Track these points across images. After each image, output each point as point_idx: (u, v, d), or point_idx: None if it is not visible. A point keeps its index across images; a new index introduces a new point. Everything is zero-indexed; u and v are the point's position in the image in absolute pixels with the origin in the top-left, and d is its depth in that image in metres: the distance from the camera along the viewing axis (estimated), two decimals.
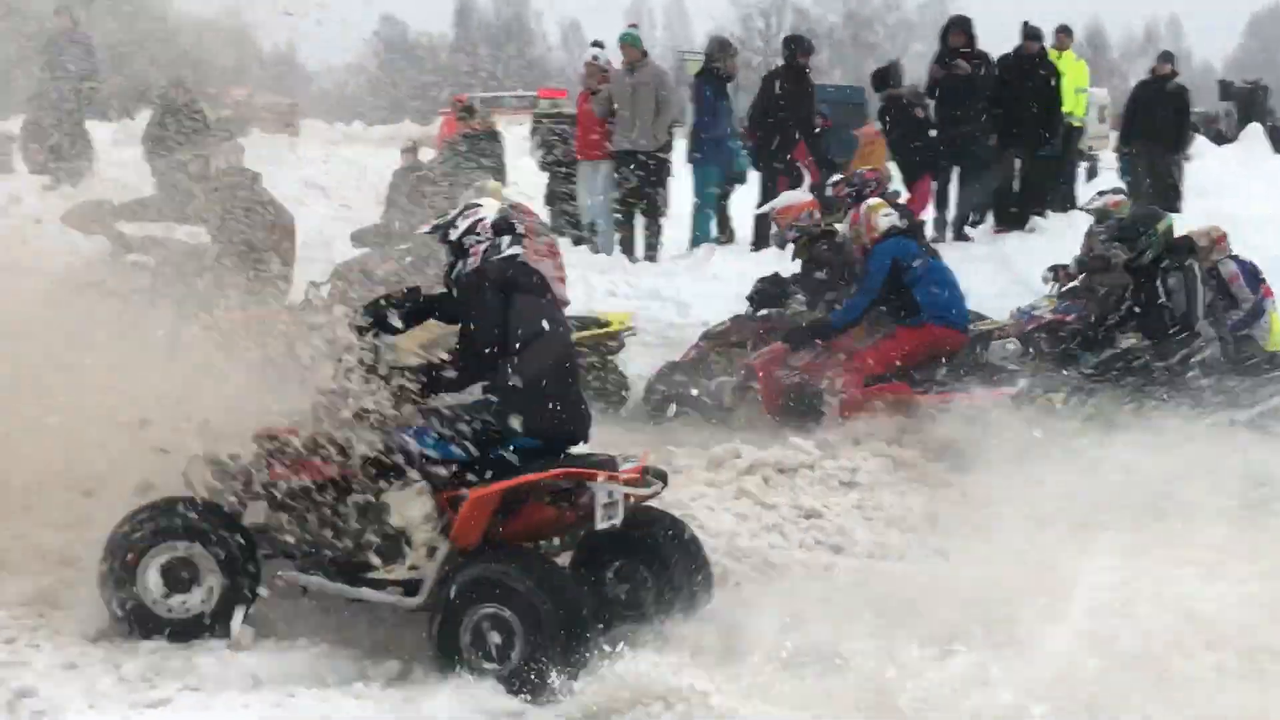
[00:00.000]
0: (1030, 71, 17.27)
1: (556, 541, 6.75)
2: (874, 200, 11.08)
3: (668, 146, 16.89)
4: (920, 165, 17.75)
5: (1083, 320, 11.22)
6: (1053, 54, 18.25)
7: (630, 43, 17.04)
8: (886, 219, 10.49)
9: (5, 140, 22.55)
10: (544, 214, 18.31)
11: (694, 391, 10.84)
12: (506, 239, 6.82)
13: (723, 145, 17.27)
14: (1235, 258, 11.51)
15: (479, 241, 6.78)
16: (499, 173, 18.11)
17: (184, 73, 18.45)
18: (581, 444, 6.74)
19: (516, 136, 28.73)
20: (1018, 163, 17.49)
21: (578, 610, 6.02)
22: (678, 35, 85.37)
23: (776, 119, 16.99)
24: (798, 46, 17.72)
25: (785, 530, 7.83)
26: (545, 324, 6.66)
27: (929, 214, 17.72)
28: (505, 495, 6.21)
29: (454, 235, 6.84)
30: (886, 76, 18.52)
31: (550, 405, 6.54)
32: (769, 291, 11.60)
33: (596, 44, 18.32)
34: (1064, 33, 19.56)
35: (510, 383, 6.47)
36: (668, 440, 9.59)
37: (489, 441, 6.43)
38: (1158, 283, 10.30)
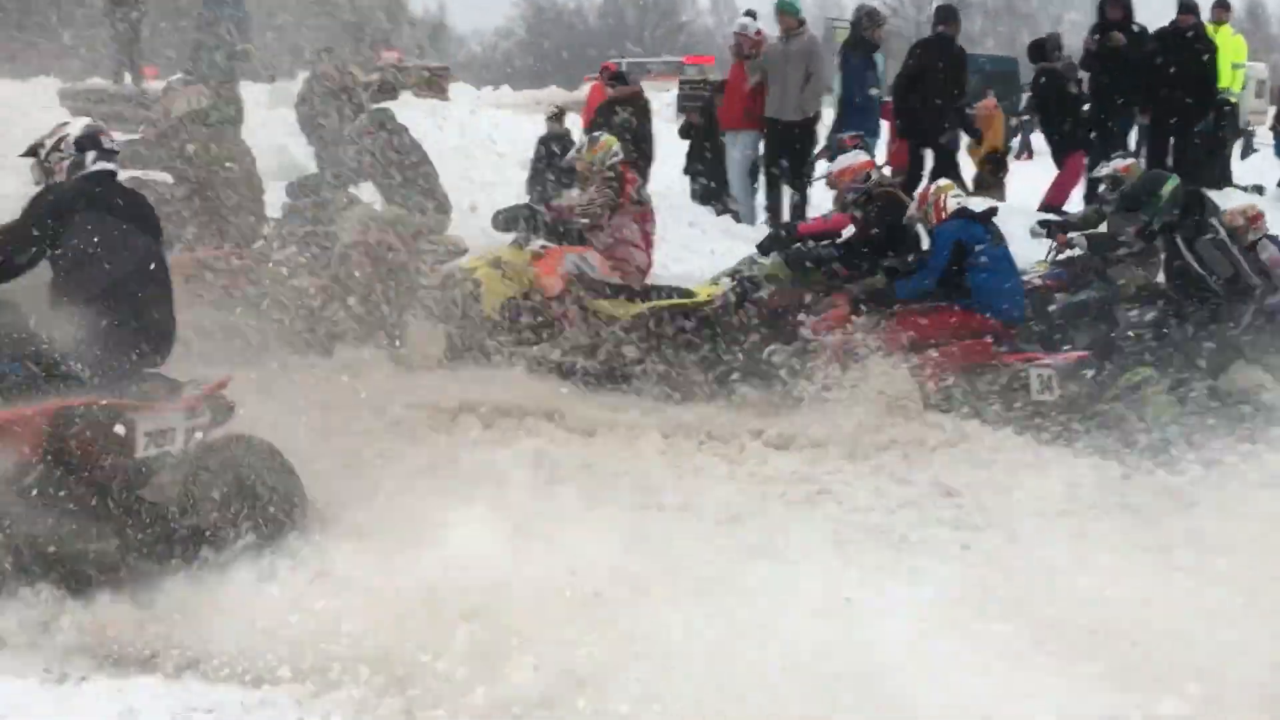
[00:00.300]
0: (1185, 46, 16.91)
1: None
2: (944, 180, 11.04)
3: (815, 117, 16.78)
4: (1072, 141, 17.48)
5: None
6: (1209, 28, 17.87)
7: (787, 10, 16.91)
8: (955, 200, 10.40)
9: None
10: (683, 183, 18.37)
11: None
12: (91, 154, 6.73)
13: (870, 116, 17.11)
14: (1274, 238, 11.18)
15: (62, 158, 6.70)
16: (646, 140, 18.16)
17: (336, 36, 18.72)
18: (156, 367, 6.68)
19: (661, 103, 28.79)
20: (1171, 139, 17.12)
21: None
22: (827, 2, 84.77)
23: (922, 90, 16.81)
24: (945, 15, 17.49)
25: (923, 507, 7.77)
26: (101, 243, 6.51)
27: (1080, 189, 17.44)
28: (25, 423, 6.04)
29: (42, 154, 6.78)
30: (1043, 48, 18.25)
31: (104, 326, 6.37)
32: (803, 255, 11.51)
33: (749, 14, 18.18)
34: (1221, 6, 19.15)
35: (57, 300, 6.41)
36: (812, 422, 9.53)
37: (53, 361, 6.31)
38: (1185, 252, 10.11)
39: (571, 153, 12.16)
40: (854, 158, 11.77)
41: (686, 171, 18.53)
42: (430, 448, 8.48)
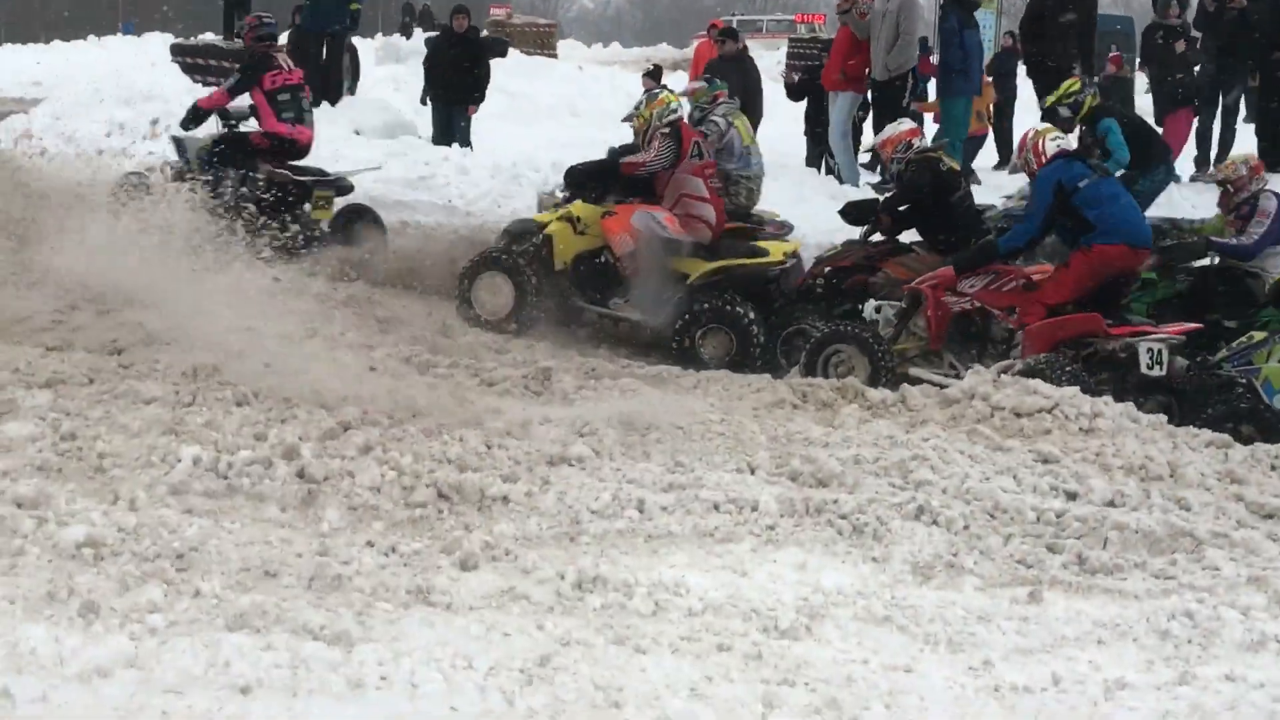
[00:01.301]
0: None
1: None
2: (1043, 125, 11.05)
3: (903, 79, 16.51)
4: (1175, 99, 17.15)
5: None
6: None
7: None
8: (1054, 143, 10.34)
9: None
10: (788, 142, 18.30)
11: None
12: None
13: (970, 77, 16.87)
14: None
15: None
16: (753, 96, 18.07)
17: None
18: None
19: (770, 62, 28.61)
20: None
21: None
22: None
23: (1048, 34, 16.53)
24: None
25: (1019, 475, 7.64)
26: None
27: (1189, 151, 17.13)
28: None
29: None
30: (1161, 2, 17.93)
31: None
32: (862, 209, 11.77)
33: None
34: None
35: None
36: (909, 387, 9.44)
37: None
38: None
39: (630, 111, 12.15)
40: (895, 128, 11.86)
41: (807, 133, 18.56)
42: (524, 405, 8.48)
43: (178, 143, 13.95)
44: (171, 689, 4.65)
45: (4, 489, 6.31)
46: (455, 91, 18.87)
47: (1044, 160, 10.20)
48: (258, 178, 12.84)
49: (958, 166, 12.07)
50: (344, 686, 4.77)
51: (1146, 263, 10.42)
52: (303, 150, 13.40)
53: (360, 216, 13.77)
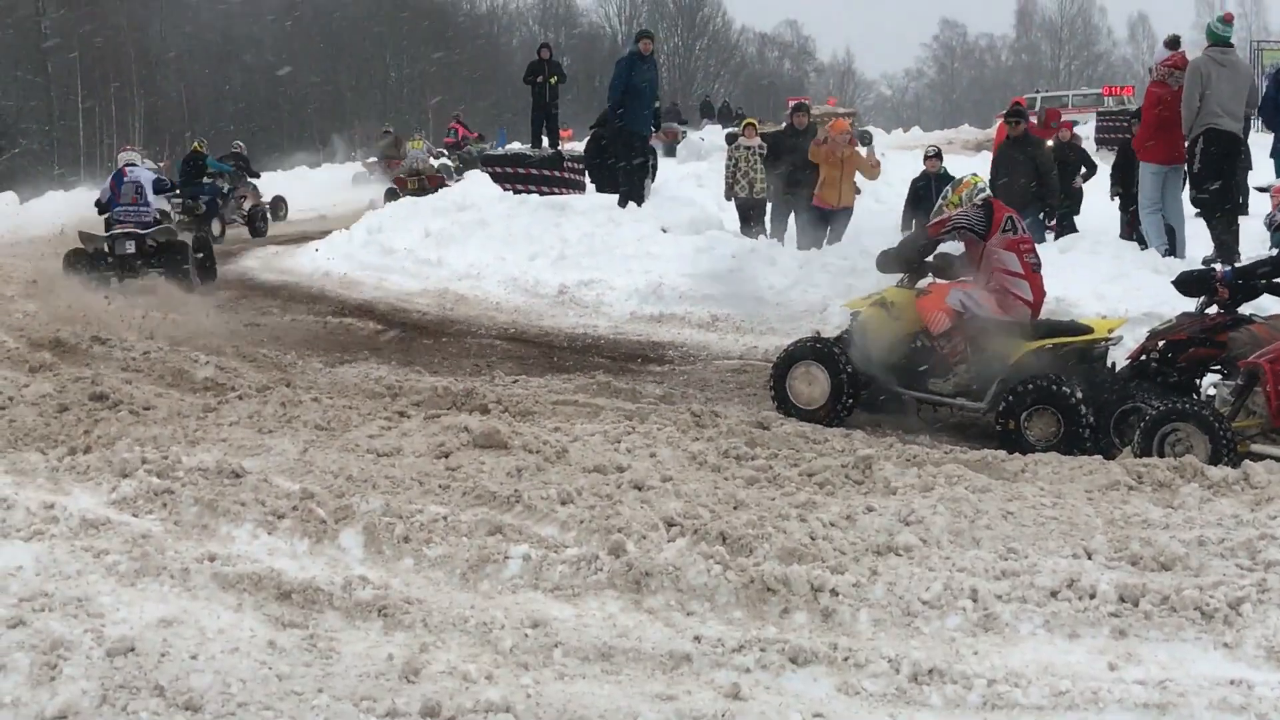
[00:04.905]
0: None
1: None
2: None
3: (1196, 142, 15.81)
4: None
5: None
6: None
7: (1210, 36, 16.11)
8: None
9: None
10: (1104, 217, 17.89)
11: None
12: None
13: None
14: None
15: None
16: (1046, 175, 17.75)
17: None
18: None
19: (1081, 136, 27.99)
20: None
21: None
22: (1253, 23, 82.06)
23: None
24: None
25: None
26: None
27: None
28: None
29: None
30: None
31: None
32: (1196, 279, 10.86)
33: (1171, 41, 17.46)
34: None
35: None
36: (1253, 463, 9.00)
37: None
38: None
39: (939, 201, 11.91)
40: None
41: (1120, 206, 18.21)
42: (844, 498, 8.34)
43: None
44: None
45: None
46: (794, 184, 19.30)
47: None
48: None
49: None
50: None
51: None
52: None
53: None
